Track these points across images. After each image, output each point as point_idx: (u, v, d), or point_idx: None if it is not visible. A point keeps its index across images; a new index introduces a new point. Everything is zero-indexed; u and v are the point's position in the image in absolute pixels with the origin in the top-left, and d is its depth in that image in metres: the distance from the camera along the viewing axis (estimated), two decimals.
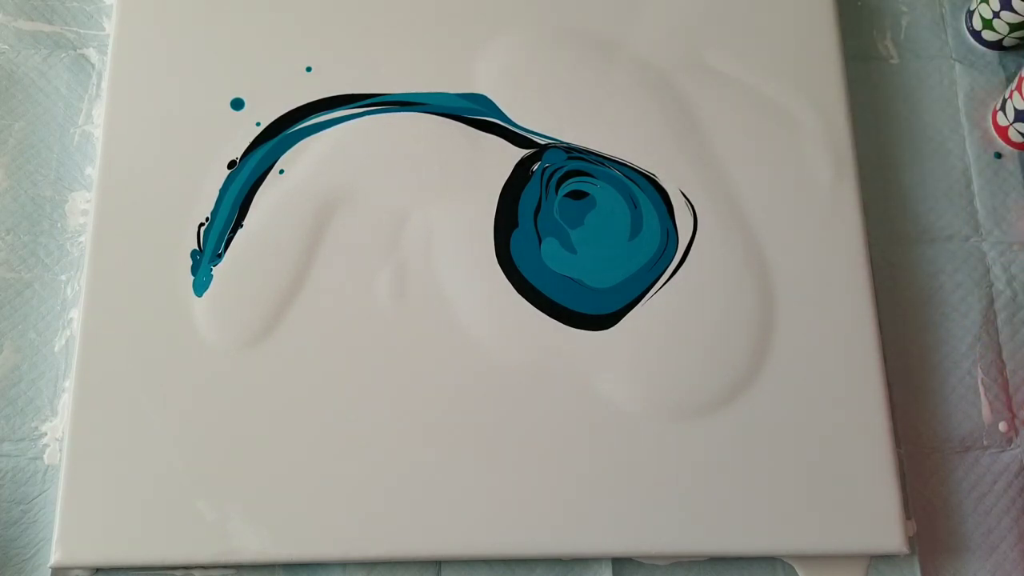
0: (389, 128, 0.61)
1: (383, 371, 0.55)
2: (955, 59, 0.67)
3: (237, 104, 0.61)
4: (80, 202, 0.61)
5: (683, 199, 0.60)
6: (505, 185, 0.60)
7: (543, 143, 0.61)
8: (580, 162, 0.60)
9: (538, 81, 0.62)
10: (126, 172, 0.59)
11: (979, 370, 0.59)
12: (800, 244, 0.59)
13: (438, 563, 0.54)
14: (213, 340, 0.55)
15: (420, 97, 0.61)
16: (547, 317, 0.57)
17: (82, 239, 0.60)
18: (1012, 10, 0.63)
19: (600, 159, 0.60)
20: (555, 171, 0.60)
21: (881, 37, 0.68)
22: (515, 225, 0.59)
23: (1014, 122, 0.63)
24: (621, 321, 0.57)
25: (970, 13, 0.67)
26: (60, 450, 0.55)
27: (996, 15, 0.64)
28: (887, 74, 0.66)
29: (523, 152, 0.60)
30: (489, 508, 0.53)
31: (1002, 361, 0.59)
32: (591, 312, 0.57)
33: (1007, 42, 0.66)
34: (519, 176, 0.60)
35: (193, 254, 0.57)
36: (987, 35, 0.66)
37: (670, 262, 0.58)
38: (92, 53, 0.65)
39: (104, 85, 0.61)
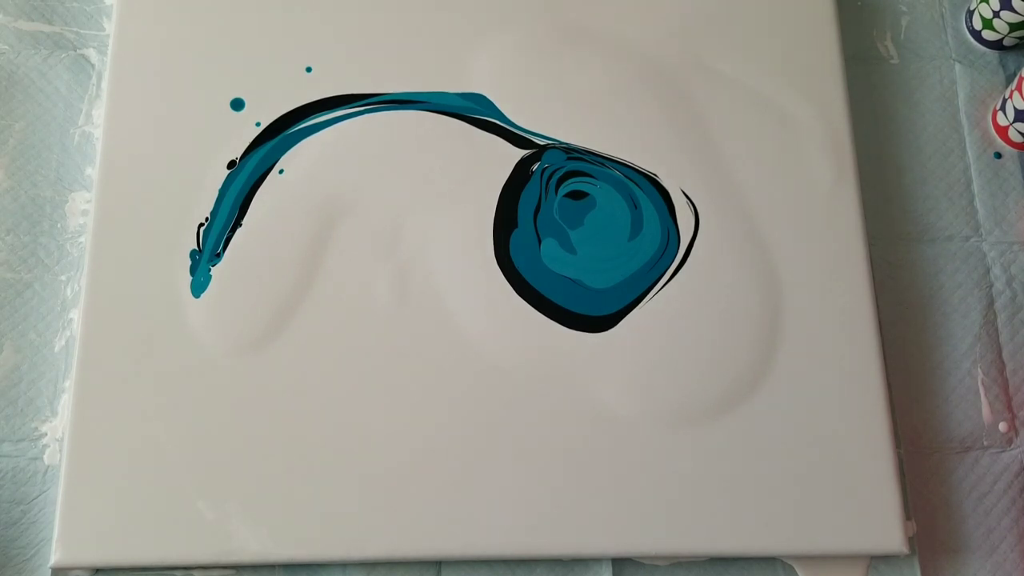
0: (389, 127, 0.61)
1: (382, 371, 0.55)
2: (955, 59, 0.67)
3: (237, 104, 0.61)
4: (80, 202, 0.61)
5: (684, 199, 0.60)
6: (505, 185, 0.60)
7: (542, 143, 0.61)
8: (580, 162, 0.60)
9: (537, 81, 0.62)
10: (126, 172, 0.59)
11: (979, 370, 0.59)
12: (800, 244, 0.59)
13: (438, 563, 0.54)
14: (212, 339, 0.55)
15: (419, 96, 0.61)
16: (546, 318, 0.57)
17: (82, 239, 0.60)
18: (1012, 10, 0.63)
19: (600, 159, 0.60)
20: (555, 171, 0.60)
21: (881, 37, 0.68)
22: (515, 225, 0.59)
23: (1014, 122, 0.63)
24: (621, 323, 0.57)
25: (970, 13, 0.67)
26: (60, 450, 0.55)
27: (996, 15, 0.64)
28: (887, 74, 0.66)
29: (523, 152, 0.60)
30: (489, 508, 0.53)
31: (1002, 361, 0.59)
32: (590, 313, 0.57)
33: (1007, 42, 0.66)
34: (519, 176, 0.60)
35: (192, 254, 0.57)
36: (987, 35, 0.66)
37: (671, 262, 0.58)
38: (92, 53, 0.65)
39: (104, 85, 0.61)
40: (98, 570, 0.53)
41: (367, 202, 0.59)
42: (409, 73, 0.62)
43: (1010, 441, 0.58)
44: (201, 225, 0.58)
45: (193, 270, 0.57)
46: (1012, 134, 0.63)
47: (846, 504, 0.53)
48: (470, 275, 0.57)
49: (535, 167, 0.60)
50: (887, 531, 0.53)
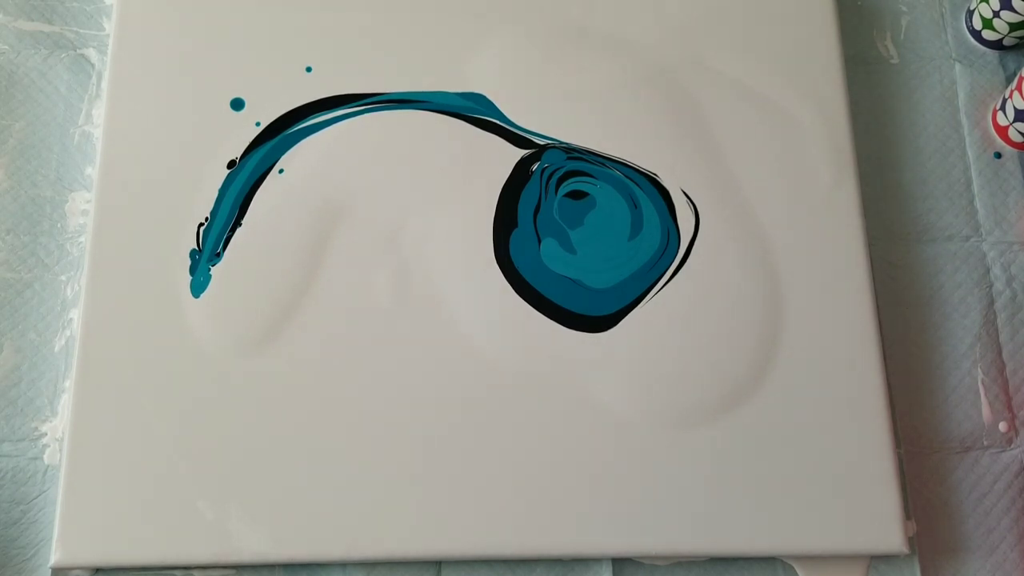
0: (389, 126, 0.61)
1: (382, 370, 0.55)
2: (955, 59, 0.67)
3: (237, 104, 0.61)
4: (80, 202, 0.61)
5: (685, 198, 0.60)
6: (505, 185, 0.60)
7: (542, 143, 0.61)
8: (580, 162, 0.60)
9: (537, 81, 0.62)
10: (126, 172, 0.59)
11: (979, 370, 0.59)
12: (800, 244, 0.59)
13: (438, 563, 0.54)
14: (212, 339, 0.55)
15: (419, 96, 0.61)
16: (545, 318, 0.57)
17: (82, 239, 0.60)
18: (1012, 9, 0.63)
19: (600, 159, 0.60)
20: (555, 171, 0.60)
21: (881, 37, 0.68)
22: (515, 225, 0.59)
23: (1014, 122, 0.63)
24: (621, 323, 0.57)
25: (970, 13, 0.67)
26: (60, 450, 0.55)
27: (996, 14, 0.64)
28: (887, 74, 0.66)
29: (523, 152, 0.60)
30: (489, 508, 0.53)
31: (1002, 361, 0.59)
32: (590, 313, 0.57)
33: (1007, 41, 0.66)
34: (519, 176, 0.60)
35: (192, 254, 0.57)
36: (987, 35, 0.66)
37: (671, 262, 0.58)
38: (92, 53, 0.65)
39: (104, 85, 0.61)
40: (98, 570, 0.53)
41: (367, 202, 0.59)
42: (409, 73, 0.62)
43: (1010, 441, 0.58)
44: (201, 225, 0.58)
45: (193, 270, 0.57)
46: (1012, 134, 0.63)
47: (846, 504, 0.53)
48: (470, 275, 0.57)
49: (535, 167, 0.60)
50: (887, 531, 0.53)
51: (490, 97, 0.61)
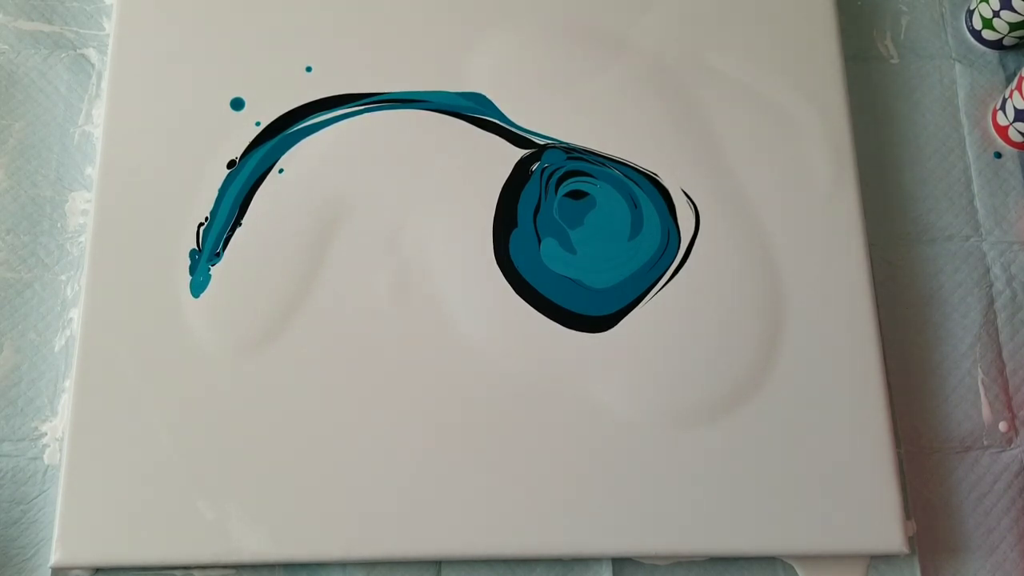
0: (388, 126, 0.61)
1: (382, 371, 0.55)
2: (955, 59, 0.67)
3: (237, 104, 0.61)
4: (80, 202, 0.61)
5: (685, 198, 0.60)
6: (505, 185, 0.60)
7: (542, 143, 0.61)
8: (580, 162, 0.60)
9: (537, 81, 0.62)
10: (126, 172, 0.59)
11: (979, 370, 0.59)
12: (800, 244, 0.59)
13: (438, 563, 0.54)
14: (212, 339, 0.55)
15: (419, 96, 0.61)
16: (545, 318, 0.57)
17: (82, 239, 0.60)
18: (1012, 9, 0.63)
19: (600, 159, 0.60)
20: (554, 171, 0.60)
21: (881, 37, 0.68)
22: (514, 225, 0.59)
23: (1014, 122, 0.63)
24: (620, 323, 0.57)
25: (970, 12, 0.67)
26: (60, 450, 0.55)
27: (996, 14, 0.64)
28: (887, 74, 0.66)
29: (522, 152, 0.60)
30: (489, 508, 0.53)
31: (1002, 361, 0.59)
32: (590, 313, 0.57)
33: (1007, 41, 0.66)
34: (519, 176, 0.60)
35: (192, 254, 0.57)
36: (987, 34, 0.66)
37: (671, 262, 0.58)
38: (92, 53, 0.65)
39: (104, 85, 0.61)
40: (98, 570, 0.53)
41: (367, 202, 0.59)
42: (409, 73, 0.62)
43: (1010, 441, 0.58)
44: (201, 225, 0.58)
45: (193, 270, 0.57)
46: (1012, 134, 0.63)
47: (846, 504, 0.53)
48: (470, 275, 0.57)
49: (535, 167, 0.60)
50: (887, 531, 0.53)
51: (490, 97, 0.61)
